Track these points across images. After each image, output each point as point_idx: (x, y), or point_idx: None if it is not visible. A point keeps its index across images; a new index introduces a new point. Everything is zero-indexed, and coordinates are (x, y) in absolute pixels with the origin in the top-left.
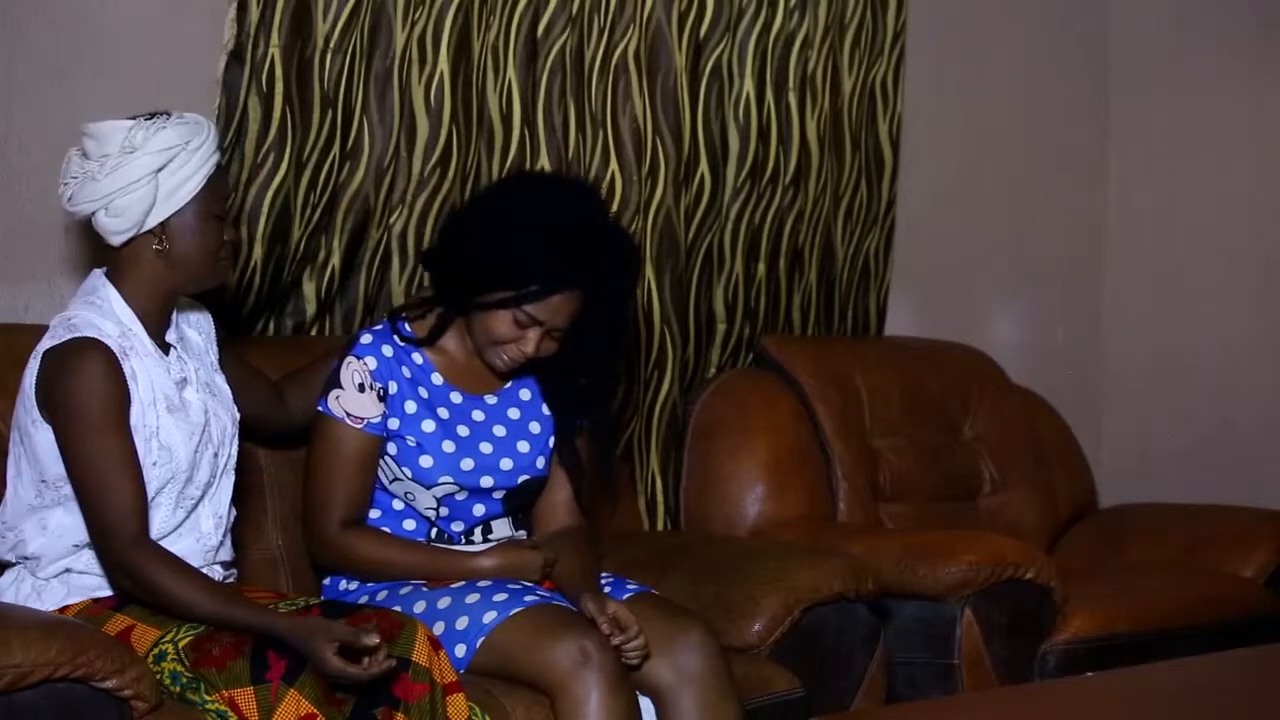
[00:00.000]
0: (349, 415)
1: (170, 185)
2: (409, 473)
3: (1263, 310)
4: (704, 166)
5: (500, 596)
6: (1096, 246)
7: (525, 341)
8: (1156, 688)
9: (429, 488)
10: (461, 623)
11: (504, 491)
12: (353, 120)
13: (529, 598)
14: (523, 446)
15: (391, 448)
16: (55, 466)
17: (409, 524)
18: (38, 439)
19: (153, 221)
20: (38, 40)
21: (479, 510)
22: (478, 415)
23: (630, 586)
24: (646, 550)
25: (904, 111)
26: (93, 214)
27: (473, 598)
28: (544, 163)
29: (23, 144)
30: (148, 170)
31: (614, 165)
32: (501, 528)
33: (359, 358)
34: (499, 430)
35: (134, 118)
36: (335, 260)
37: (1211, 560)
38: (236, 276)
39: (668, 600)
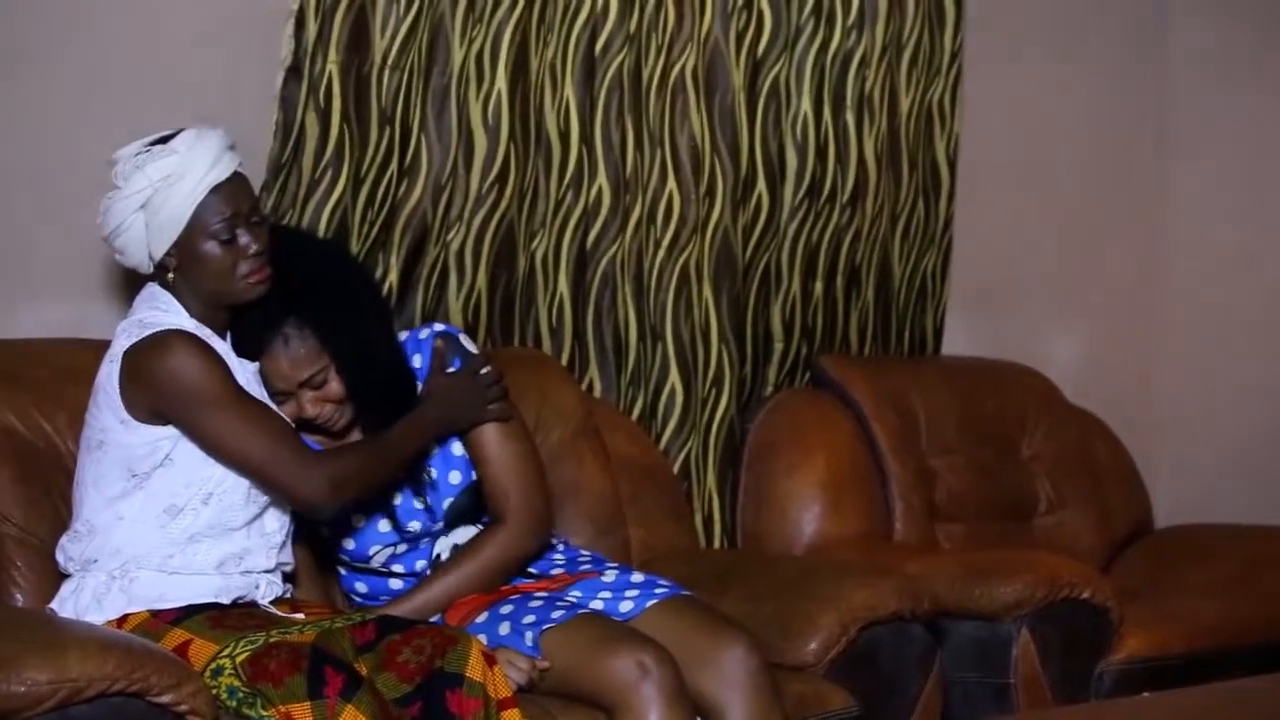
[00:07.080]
0: None
1: (156, 221)
2: (347, 559)
3: None
4: (761, 185)
5: (528, 619)
6: (1153, 266)
7: (302, 409)
8: (1212, 709)
9: (369, 560)
10: None
11: (441, 522)
12: (410, 137)
13: (555, 614)
14: (431, 474)
15: None
16: (152, 457)
17: (395, 584)
18: (128, 439)
19: (158, 253)
20: (99, 52)
21: (426, 542)
22: None
23: (661, 586)
24: (703, 568)
25: (961, 131)
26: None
27: (504, 628)
28: (601, 181)
29: (86, 158)
30: (132, 209)
31: (671, 183)
32: (465, 534)
33: None
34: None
35: (149, 142)
36: (393, 277)
37: (1268, 581)
38: None
39: (708, 608)
